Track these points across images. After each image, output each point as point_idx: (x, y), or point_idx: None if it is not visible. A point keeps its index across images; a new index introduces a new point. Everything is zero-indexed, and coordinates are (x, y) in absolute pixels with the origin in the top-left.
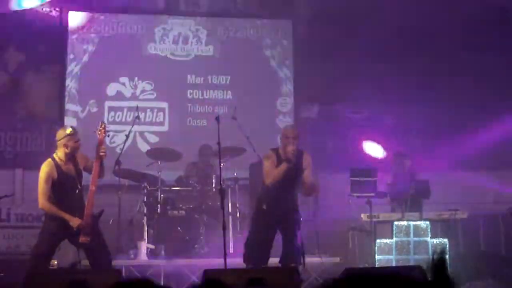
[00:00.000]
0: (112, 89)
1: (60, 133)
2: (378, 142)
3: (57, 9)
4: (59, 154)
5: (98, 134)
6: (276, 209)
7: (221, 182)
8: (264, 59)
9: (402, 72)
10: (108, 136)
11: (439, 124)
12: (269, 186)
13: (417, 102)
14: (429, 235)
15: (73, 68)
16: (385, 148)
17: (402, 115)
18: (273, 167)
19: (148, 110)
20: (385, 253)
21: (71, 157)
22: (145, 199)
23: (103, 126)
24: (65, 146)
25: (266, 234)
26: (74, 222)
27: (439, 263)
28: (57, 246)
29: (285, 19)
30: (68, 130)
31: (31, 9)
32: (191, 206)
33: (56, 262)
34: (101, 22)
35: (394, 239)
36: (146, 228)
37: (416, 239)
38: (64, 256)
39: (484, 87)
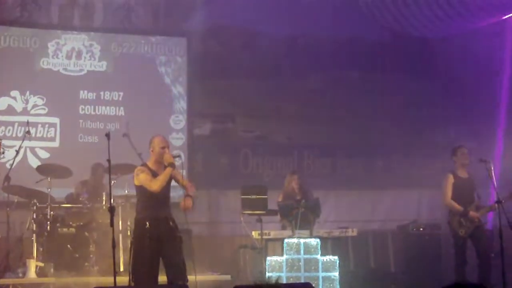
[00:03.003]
0: (2, 103)
1: None
2: None
3: None
4: None
5: None
6: (158, 226)
7: (111, 199)
8: (158, 75)
9: (296, 91)
10: (3, 153)
11: (332, 143)
12: (154, 193)
13: (309, 121)
14: (319, 252)
15: None
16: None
17: (294, 134)
18: (152, 177)
19: (39, 125)
20: (276, 270)
21: None
22: (35, 216)
23: None
24: None
25: (152, 252)
26: None
27: None
28: None
29: (179, 36)
30: None
31: None
32: (81, 223)
33: None
34: None
35: (285, 256)
36: (35, 246)
37: (306, 256)
38: None
39: (379, 106)
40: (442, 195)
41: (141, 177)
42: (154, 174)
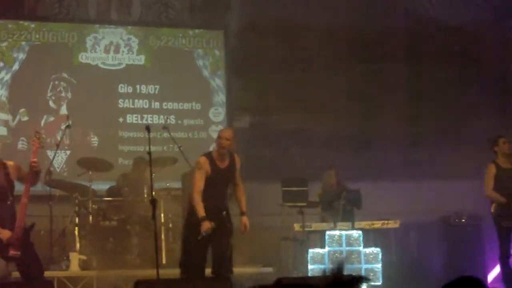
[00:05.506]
0: (42, 97)
1: None
2: None
3: None
4: None
5: (32, 145)
6: (212, 217)
7: (153, 192)
8: (196, 69)
9: (334, 83)
10: (43, 147)
11: (373, 135)
12: (211, 184)
13: (349, 112)
14: (362, 244)
15: (3, 76)
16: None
17: (334, 125)
18: (202, 181)
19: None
20: (317, 262)
21: (1, 167)
22: (77, 210)
23: (37, 136)
24: None
25: (203, 244)
26: (4, 235)
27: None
28: None
29: (217, 29)
30: None
31: None
32: (123, 216)
33: None
34: (31, 30)
35: (327, 248)
36: (78, 239)
37: (348, 248)
38: None
39: (419, 96)
40: (484, 186)
41: (195, 175)
42: (214, 167)
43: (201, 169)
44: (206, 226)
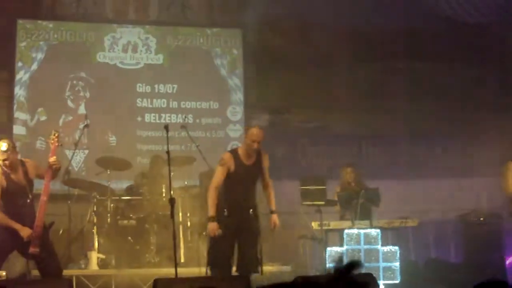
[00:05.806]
0: (60, 97)
1: None
2: None
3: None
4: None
5: (51, 143)
6: (237, 215)
7: (171, 191)
8: (214, 68)
9: (352, 81)
10: (62, 145)
11: (390, 133)
12: (238, 179)
13: (366, 110)
14: (380, 243)
15: (21, 76)
16: None
17: (352, 124)
18: (221, 177)
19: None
20: (336, 261)
21: (20, 165)
22: (95, 209)
23: (56, 135)
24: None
25: (228, 241)
26: (25, 232)
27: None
28: (7, 257)
29: (234, 28)
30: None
31: None
32: (141, 215)
33: (4, 273)
34: (49, 30)
35: (345, 247)
36: (96, 238)
37: (366, 247)
38: (13, 267)
39: (437, 95)
40: (503, 185)
41: (217, 169)
42: (239, 163)
43: (224, 165)
44: (212, 228)
